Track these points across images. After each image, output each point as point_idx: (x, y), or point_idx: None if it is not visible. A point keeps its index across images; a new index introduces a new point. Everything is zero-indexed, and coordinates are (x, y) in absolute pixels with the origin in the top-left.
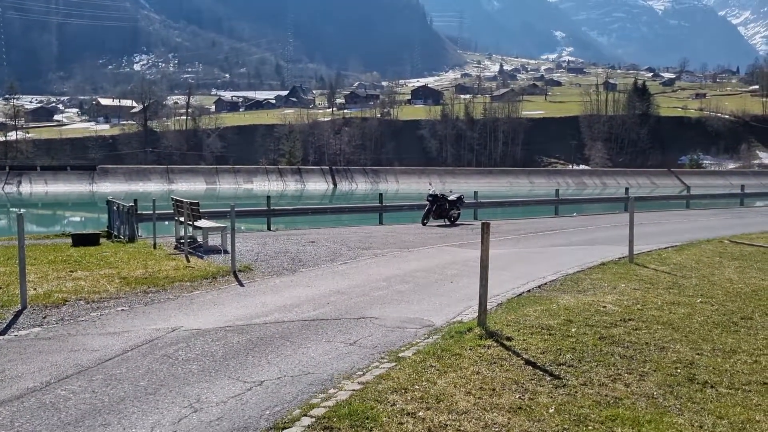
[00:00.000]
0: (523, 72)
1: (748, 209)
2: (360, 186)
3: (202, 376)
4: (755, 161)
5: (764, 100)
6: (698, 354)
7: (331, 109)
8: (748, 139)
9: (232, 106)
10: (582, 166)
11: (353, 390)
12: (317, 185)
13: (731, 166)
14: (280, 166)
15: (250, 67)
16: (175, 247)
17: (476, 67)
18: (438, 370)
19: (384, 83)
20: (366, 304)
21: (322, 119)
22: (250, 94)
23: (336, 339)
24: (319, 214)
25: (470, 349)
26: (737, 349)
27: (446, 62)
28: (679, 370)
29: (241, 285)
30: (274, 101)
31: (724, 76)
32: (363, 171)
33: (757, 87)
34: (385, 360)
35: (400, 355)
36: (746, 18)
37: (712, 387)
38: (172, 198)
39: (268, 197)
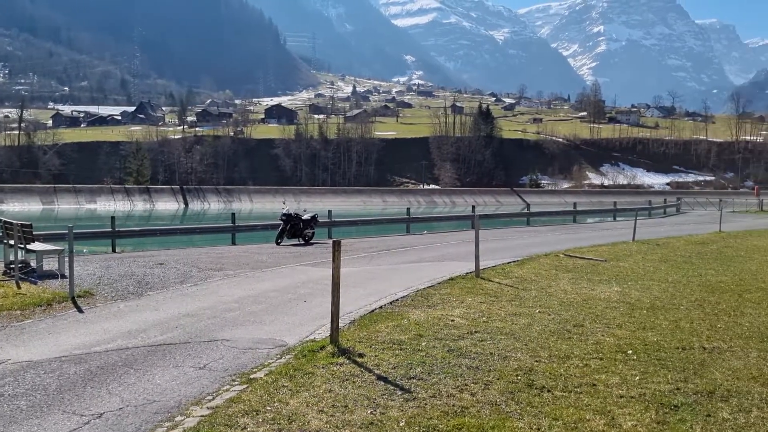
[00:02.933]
0: (376, 94)
1: (580, 225)
2: (213, 205)
3: (32, 412)
4: (585, 181)
5: (591, 125)
6: (537, 361)
7: (182, 127)
8: (579, 161)
9: (73, 122)
10: (432, 186)
11: (202, 416)
12: (167, 205)
13: (565, 185)
14: (126, 186)
15: (93, 80)
16: (4, 273)
17: (330, 87)
18: (290, 389)
19: (237, 101)
20: (217, 327)
21: (173, 137)
22: (92, 109)
23: (185, 363)
24: (168, 234)
25: (323, 368)
26: (570, 354)
27: (300, 82)
28: (519, 377)
29: (81, 311)
30: (119, 117)
31: (557, 102)
32: (216, 190)
33: (585, 113)
34: (237, 382)
35: (252, 376)
36: (574, 51)
37: (548, 391)
38: (1, 219)
39: (113, 218)
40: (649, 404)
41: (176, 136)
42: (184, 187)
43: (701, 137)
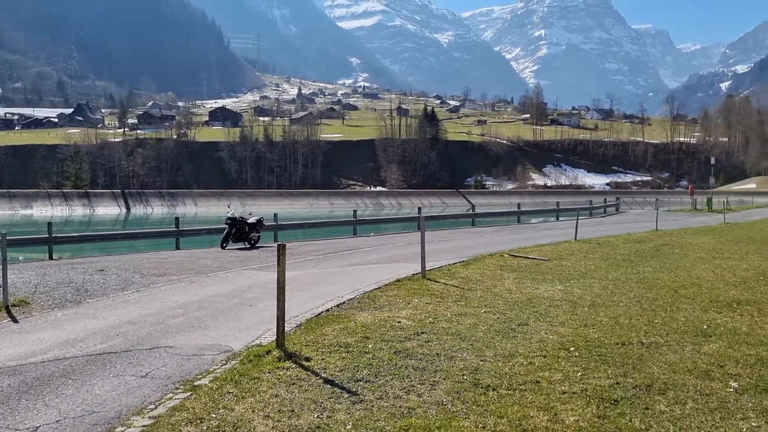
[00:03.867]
0: (321, 96)
1: (524, 225)
2: (156, 210)
3: None
4: (529, 182)
5: (534, 127)
6: (482, 360)
7: (122, 130)
8: (522, 162)
9: (6, 124)
10: (379, 188)
11: (144, 426)
12: (108, 210)
13: (510, 186)
14: (64, 190)
15: (27, 81)
16: None
17: (275, 90)
18: (236, 396)
19: (180, 104)
20: (160, 333)
21: (113, 140)
22: (27, 111)
23: (126, 372)
24: (109, 240)
25: (269, 372)
26: (515, 353)
27: (244, 84)
28: (465, 377)
29: (15, 321)
30: (56, 120)
31: (501, 105)
32: (159, 194)
33: (528, 116)
34: (180, 390)
35: (196, 383)
36: (517, 54)
37: (494, 390)
38: None
39: (50, 224)
40: (591, 399)
41: (117, 139)
42: (126, 191)
43: (638, 139)
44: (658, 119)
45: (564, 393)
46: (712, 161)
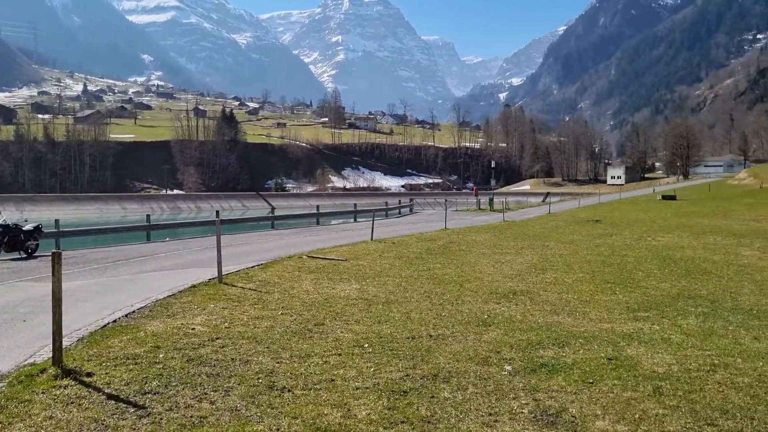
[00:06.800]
0: (110, 94)
1: (324, 227)
2: None
3: None
4: (329, 184)
5: (333, 131)
6: (278, 362)
7: None
8: (322, 165)
9: None
10: (176, 191)
11: None
12: None
13: (310, 188)
14: None
15: None
16: None
17: (56, 85)
18: (1, 423)
19: None
20: None
21: None
22: None
23: None
24: None
25: (43, 393)
26: (311, 353)
27: (19, 77)
28: (260, 380)
29: None
30: None
31: (300, 108)
32: None
33: (327, 119)
34: None
35: None
36: (315, 58)
37: (289, 391)
38: None
39: None
40: (382, 392)
41: None
42: None
43: (430, 143)
44: (447, 125)
45: (357, 389)
46: (493, 165)
